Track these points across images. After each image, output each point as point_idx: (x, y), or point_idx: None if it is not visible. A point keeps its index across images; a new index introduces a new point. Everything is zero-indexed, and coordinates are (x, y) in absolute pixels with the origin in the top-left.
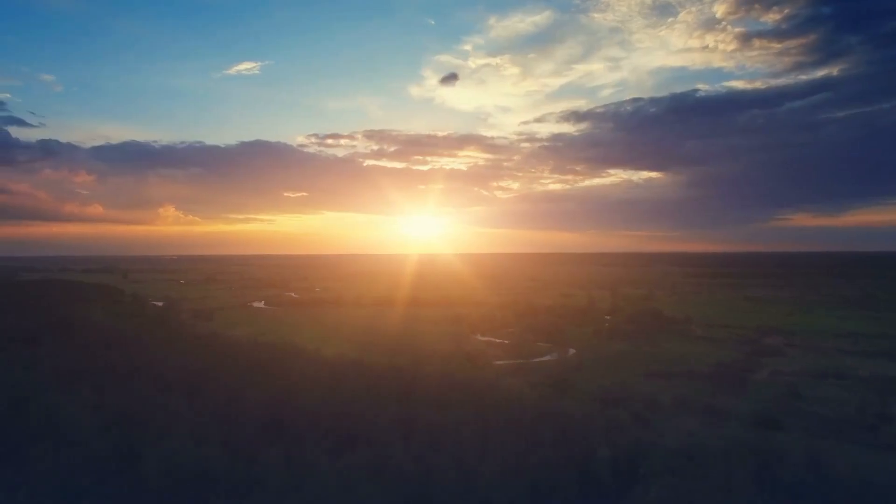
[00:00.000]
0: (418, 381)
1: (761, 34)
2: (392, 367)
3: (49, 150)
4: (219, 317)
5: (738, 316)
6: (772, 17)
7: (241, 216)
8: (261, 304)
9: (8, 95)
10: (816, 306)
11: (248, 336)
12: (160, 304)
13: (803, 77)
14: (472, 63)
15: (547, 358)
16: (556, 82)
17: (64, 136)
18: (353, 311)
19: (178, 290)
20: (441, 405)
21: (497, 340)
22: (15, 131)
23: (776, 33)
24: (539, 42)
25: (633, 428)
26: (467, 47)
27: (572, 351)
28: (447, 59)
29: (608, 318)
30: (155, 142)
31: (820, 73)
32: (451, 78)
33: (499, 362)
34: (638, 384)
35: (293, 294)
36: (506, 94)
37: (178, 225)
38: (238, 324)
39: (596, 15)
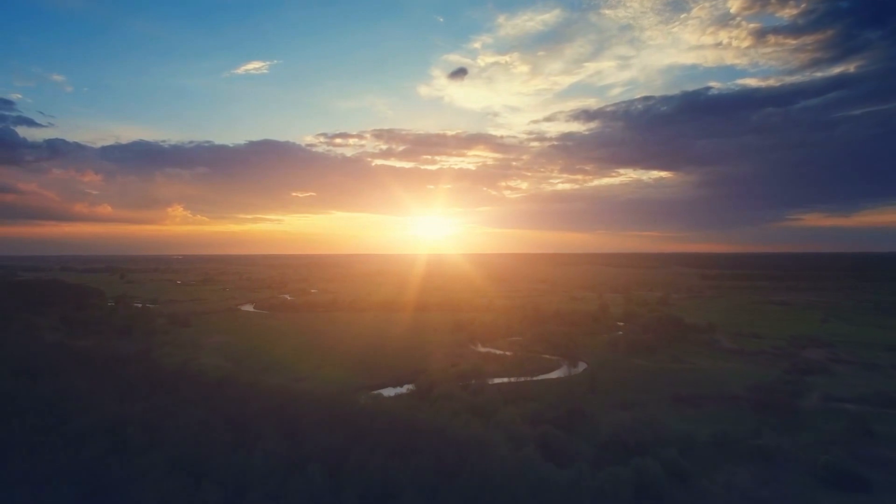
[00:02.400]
0: (362, 448)
1: (777, 30)
2: (337, 413)
3: (55, 150)
4: (197, 322)
5: (767, 323)
6: (788, 13)
7: (249, 216)
8: (250, 308)
9: (19, 96)
10: (850, 312)
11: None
12: (140, 306)
13: (819, 74)
14: (482, 61)
15: (555, 375)
16: (566, 81)
17: (74, 137)
18: (347, 317)
19: (170, 292)
20: (391, 479)
21: (499, 352)
22: (25, 131)
23: (792, 29)
24: (548, 40)
25: (668, 490)
26: (476, 45)
27: (584, 366)
28: (456, 59)
29: (622, 324)
30: (164, 142)
31: (836, 69)
32: (460, 72)
33: (497, 380)
34: (665, 414)
35: (288, 296)
36: (515, 94)
37: (187, 225)
38: (214, 331)
39: (607, 11)
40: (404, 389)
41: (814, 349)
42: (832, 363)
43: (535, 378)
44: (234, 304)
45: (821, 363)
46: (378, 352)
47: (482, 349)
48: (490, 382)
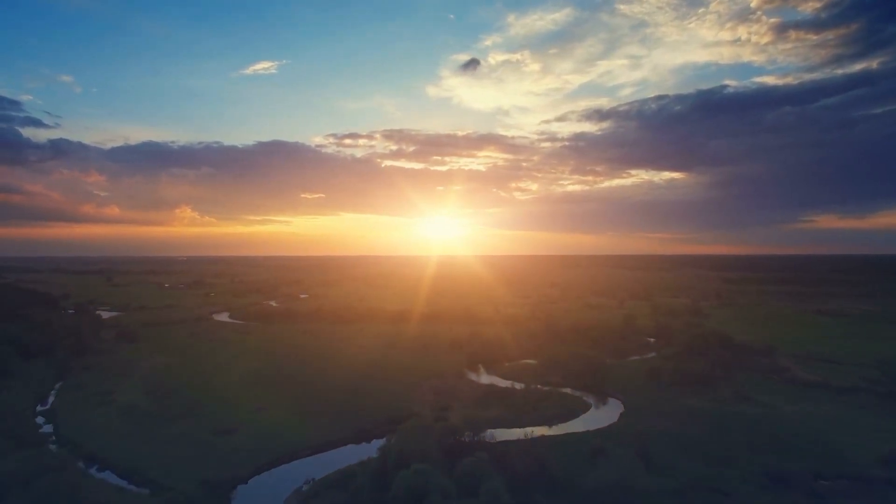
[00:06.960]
0: None
1: (798, 25)
2: None
3: (59, 150)
4: (150, 336)
5: (835, 342)
6: (811, 6)
7: (257, 217)
8: (224, 317)
9: (28, 97)
10: None
11: None
12: (96, 315)
13: (840, 71)
14: (492, 60)
15: (581, 426)
16: (577, 80)
17: (83, 138)
18: (329, 329)
19: (147, 298)
20: None
21: (504, 384)
22: (33, 132)
23: (814, 23)
24: (559, 39)
25: None
26: (486, 44)
27: (618, 406)
28: (465, 58)
29: (654, 341)
30: (172, 142)
31: (858, 66)
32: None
33: (501, 435)
34: None
35: (273, 303)
36: (525, 93)
37: (195, 226)
38: (160, 349)
39: (622, 6)
40: (363, 453)
41: None
42: None
43: (553, 431)
44: (210, 311)
45: None
46: (348, 383)
47: (484, 379)
48: (489, 440)
